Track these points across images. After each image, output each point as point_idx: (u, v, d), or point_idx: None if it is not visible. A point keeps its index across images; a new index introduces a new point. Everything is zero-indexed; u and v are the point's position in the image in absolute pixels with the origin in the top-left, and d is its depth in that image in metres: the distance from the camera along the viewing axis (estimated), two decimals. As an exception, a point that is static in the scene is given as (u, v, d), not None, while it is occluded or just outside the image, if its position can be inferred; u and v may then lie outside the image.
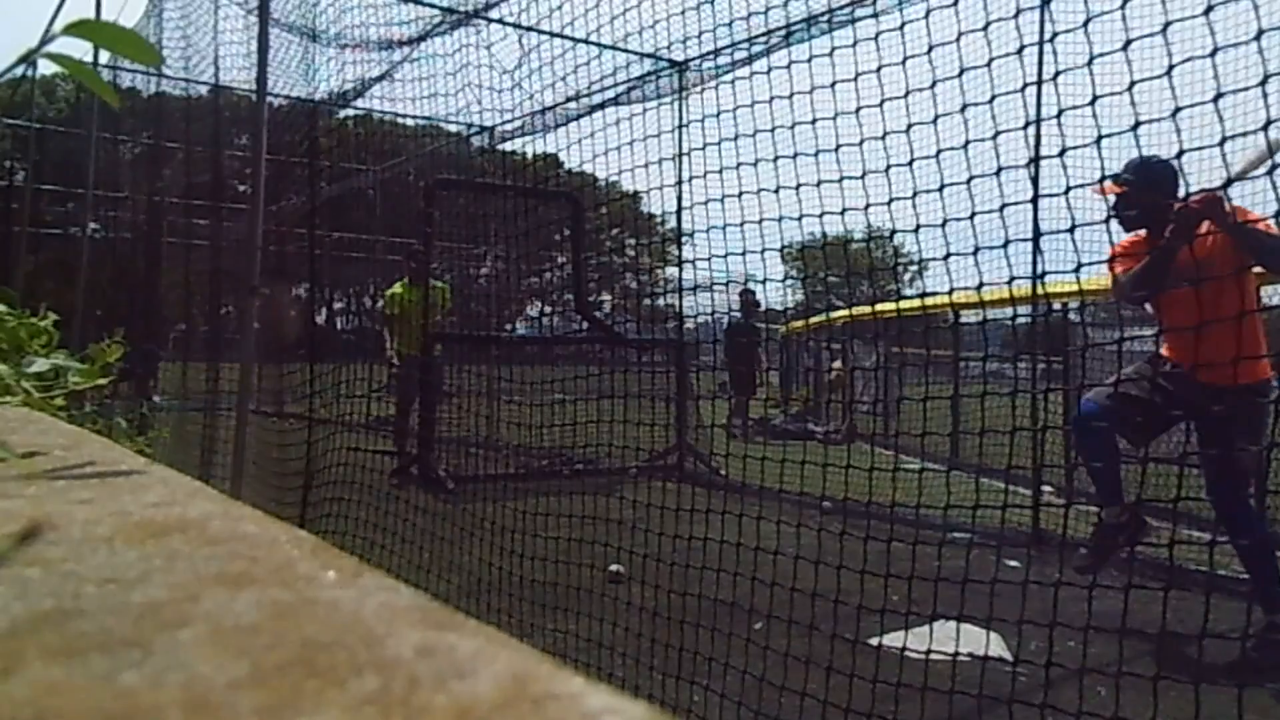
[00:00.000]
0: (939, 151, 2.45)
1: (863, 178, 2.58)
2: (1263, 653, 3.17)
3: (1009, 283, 2.65)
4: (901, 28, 2.57)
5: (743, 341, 10.62)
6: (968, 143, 2.41)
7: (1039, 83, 3.67)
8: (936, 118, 2.49)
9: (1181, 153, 1.95)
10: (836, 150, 2.66)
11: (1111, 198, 3.49)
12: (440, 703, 0.26)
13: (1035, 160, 4.11)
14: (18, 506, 0.51)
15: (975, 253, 2.45)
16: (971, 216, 2.48)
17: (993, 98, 2.39)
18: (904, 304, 7.41)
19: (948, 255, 2.46)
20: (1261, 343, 3.50)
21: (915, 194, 2.52)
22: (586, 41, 4.82)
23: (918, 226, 2.51)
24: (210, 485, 0.62)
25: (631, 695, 0.27)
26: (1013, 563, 4.28)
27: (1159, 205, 3.42)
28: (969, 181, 2.41)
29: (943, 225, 2.45)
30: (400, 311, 7.11)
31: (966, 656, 2.74)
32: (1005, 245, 2.44)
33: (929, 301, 4.74)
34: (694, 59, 6.75)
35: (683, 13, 3.56)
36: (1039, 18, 4.31)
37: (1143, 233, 3.62)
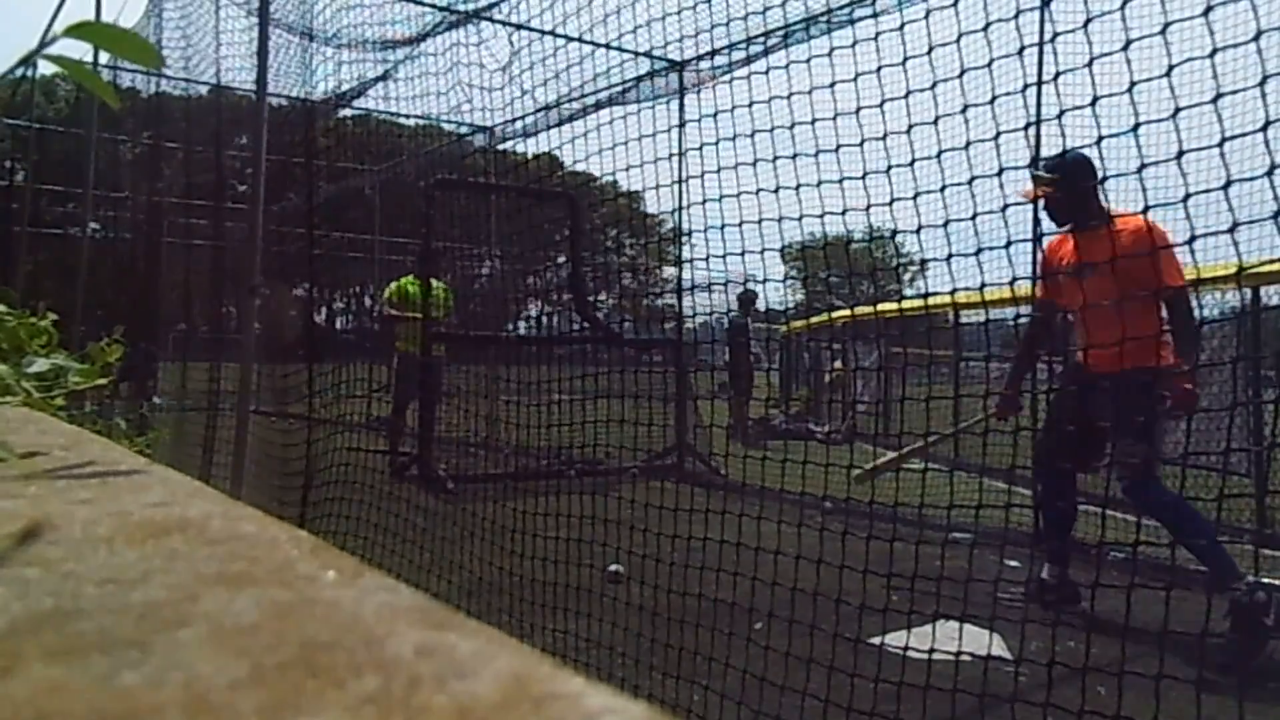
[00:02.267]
0: (940, 152, 2.45)
1: (863, 178, 2.58)
2: (1245, 633, 3.13)
3: (1011, 282, 2.65)
4: (901, 28, 2.57)
5: (740, 341, 10.59)
6: (969, 143, 2.41)
7: (1039, 83, 3.67)
8: (937, 118, 2.49)
9: (1181, 153, 1.95)
10: (837, 150, 2.65)
11: (1037, 199, 3.57)
12: (440, 703, 0.26)
13: (1035, 161, 4.11)
14: (18, 506, 0.51)
15: (977, 253, 2.45)
16: (973, 217, 2.48)
17: (993, 98, 2.39)
18: (905, 304, 7.42)
19: (949, 256, 2.46)
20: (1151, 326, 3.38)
21: (916, 195, 2.51)
22: (585, 41, 4.82)
23: (920, 227, 2.50)
24: (210, 485, 0.62)
25: (631, 695, 0.27)
26: (1014, 563, 4.28)
27: (1083, 197, 3.51)
28: (970, 182, 2.41)
29: (944, 225, 2.45)
30: (403, 306, 7.13)
31: (968, 656, 2.74)
32: (1007, 245, 2.44)
33: (929, 301, 4.74)
34: (693, 59, 6.75)
35: (679, 12, 3.56)
36: (1039, 18, 4.31)
37: (1068, 229, 3.69)
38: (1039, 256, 3.86)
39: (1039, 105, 3.96)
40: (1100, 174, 3.26)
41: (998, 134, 2.40)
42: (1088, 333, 3.44)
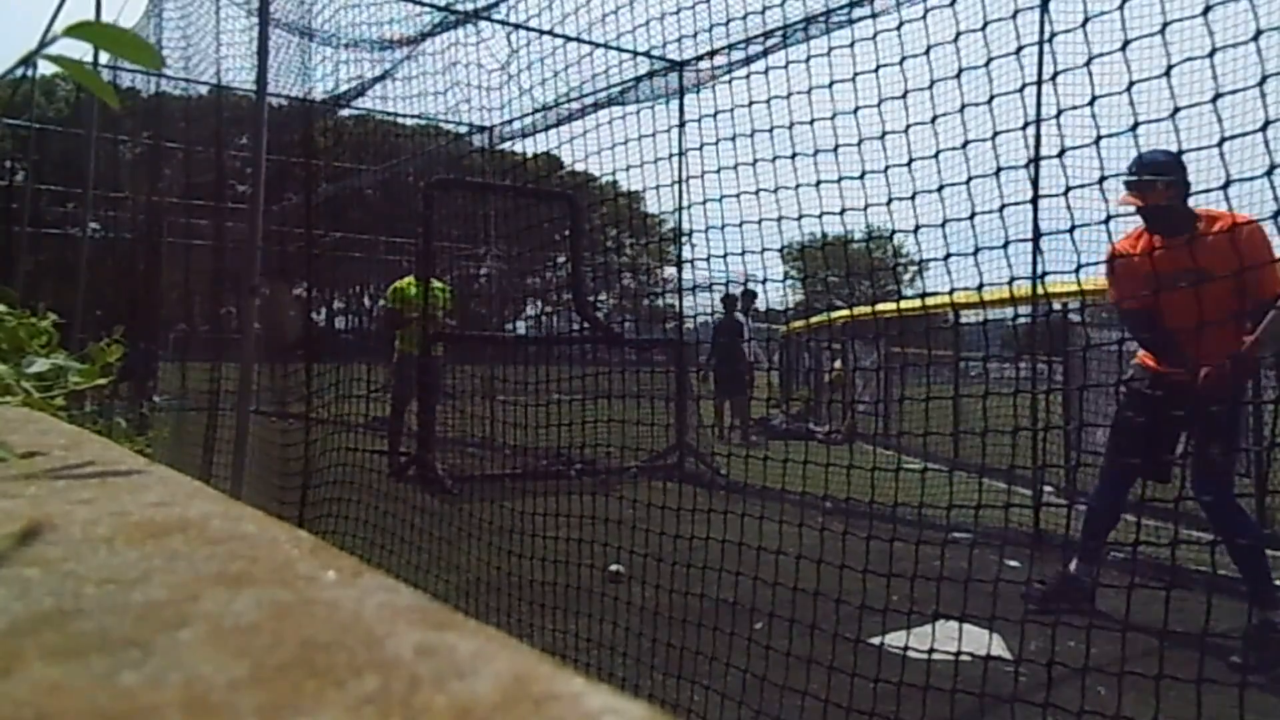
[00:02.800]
0: (938, 152, 2.45)
1: (861, 177, 2.57)
2: (1260, 652, 3.17)
3: (1009, 282, 2.65)
4: (899, 28, 2.57)
5: (728, 341, 10.45)
6: (967, 143, 2.41)
7: (1039, 82, 3.67)
8: (934, 117, 2.49)
9: (1181, 153, 1.95)
10: (835, 150, 2.65)
11: (1129, 207, 3.41)
12: (440, 703, 0.26)
13: (1035, 160, 4.11)
14: (18, 506, 0.51)
15: (975, 253, 2.45)
16: (971, 217, 2.48)
17: (991, 98, 2.39)
18: (904, 304, 7.41)
19: (948, 256, 2.46)
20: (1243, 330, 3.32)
21: (915, 194, 2.51)
22: (584, 40, 4.82)
23: (917, 227, 2.50)
24: (210, 485, 0.62)
25: (632, 695, 0.27)
26: (1014, 563, 4.28)
27: (1180, 203, 3.34)
28: (969, 181, 2.41)
29: (942, 225, 2.45)
30: (404, 307, 7.13)
31: (968, 656, 2.74)
32: (1005, 245, 2.44)
33: (928, 301, 4.75)
34: (693, 59, 6.75)
35: (678, 12, 3.55)
36: (1039, 19, 4.31)
37: (1140, 229, 3.57)
38: (1111, 260, 3.55)
39: (1039, 105, 3.96)
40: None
41: (995, 134, 2.40)
42: (1196, 343, 3.19)
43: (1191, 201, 3.35)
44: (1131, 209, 3.40)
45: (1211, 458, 3.32)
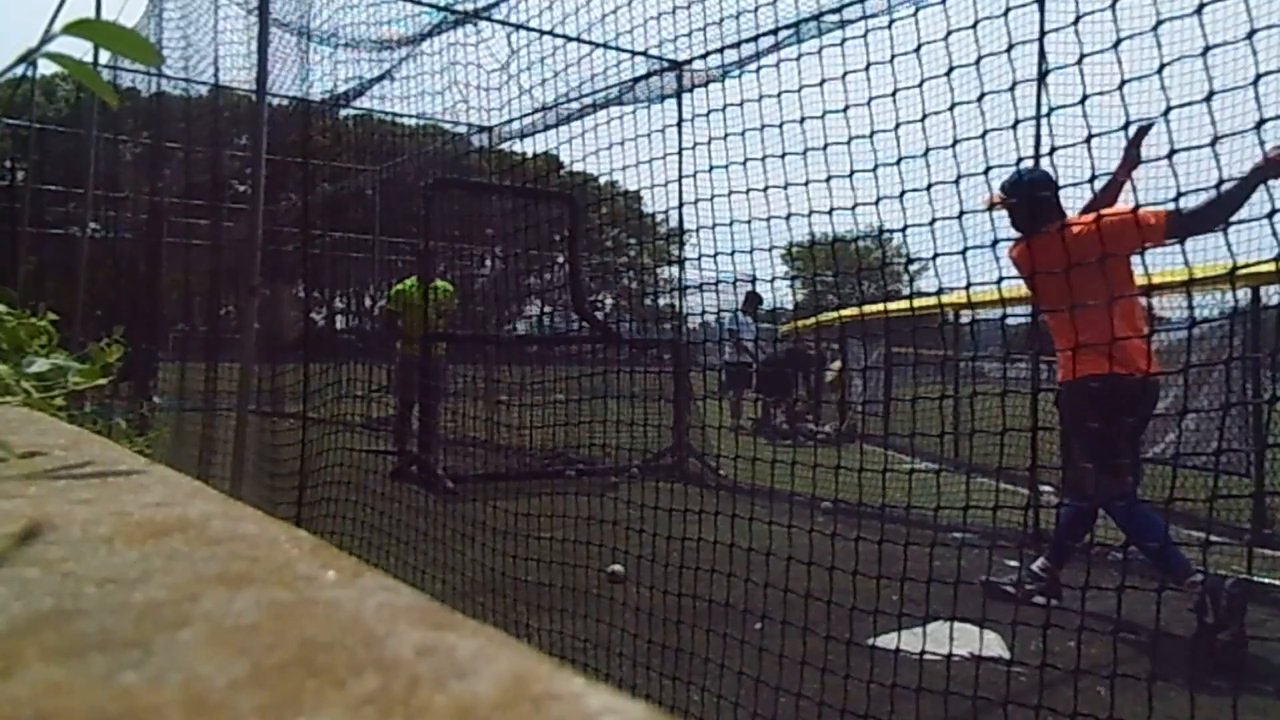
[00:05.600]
0: (928, 147, 2.42)
1: (874, 170, 2.54)
2: (1204, 616, 3.11)
3: (998, 281, 2.64)
4: (915, 13, 2.55)
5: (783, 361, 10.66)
6: (985, 131, 2.38)
7: (1039, 81, 3.67)
8: (924, 116, 2.46)
9: (1173, 152, 1.94)
10: (848, 143, 2.61)
11: (999, 210, 3.57)
12: (440, 703, 0.26)
13: (1036, 158, 4.11)
14: (18, 506, 0.51)
15: (971, 249, 2.44)
16: (960, 217, 2.47)
17: (1014, 85, 2.35)
18: (902, 304, 7.42)
19: (965, 249, 2.44)
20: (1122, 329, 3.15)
21: (903, 193, 2.49)
22: (584, 40, 4.82)
23: (934, 219, 2.47)
24: (210, 485, 0.62)
25: (630, 696, 0.27)
26: (1011, 563, 4.29)
27: (1044, 207, 3.58)
28: (986, 171, 2.38)
29: (959, 217, 2.44)
30: (406, 308, 7.14)
31: (966, 656, 2.75)
32: (994, 245, 2.43)
33: (928, 300, 4.75)
34: (692, 59, 6.74)
35: (674, 11, 3.55)
36: (1038, 19, 4.31)
37: (1019, 239, 3.70)
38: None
39: (1038, 104, 3.97)
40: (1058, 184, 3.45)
41: (985, 132, 2.39)
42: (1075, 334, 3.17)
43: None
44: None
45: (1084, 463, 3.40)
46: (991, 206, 3.36)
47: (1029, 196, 3.58)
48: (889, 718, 2.35)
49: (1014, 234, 3.70)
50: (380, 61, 6.61)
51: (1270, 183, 2.63)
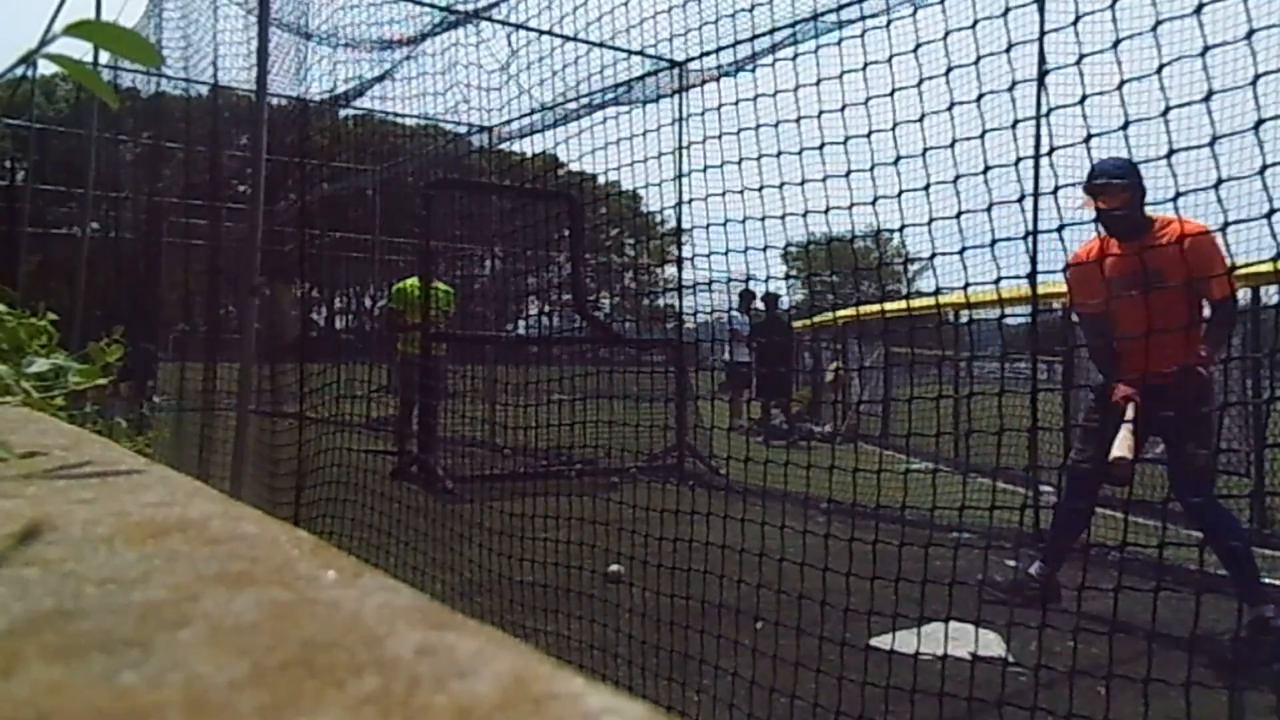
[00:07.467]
0: (929, 147, 2.43)
1: (871, 170, 2.54)
2: (1253, 650, 3.16)
3: (995, 280, 2.63)
4: (914, 14, 2.55)
5: (772, 340, 10.46)
6: (985, 131, 2.38)
7: (1040, 80, 3.67)
8: (922, 116, 2.46)
9: (1172, 152, 1.94)
10: (820, 149, 2.62)
11: (1090, 210, 3.47)
12: (440, 703, 0.26)
13: (1036, 158, 4.10)
14: (18, 506, 0.51)
15: (969, 249, 2.44)
16: (958, 216, 2.46)
17: (1013, 85, 2.35)
18: (901, 303, 7.41)
19: (962, 250, 2.44)
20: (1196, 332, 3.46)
21: (901, 193, 2.49)
22: (583, 40, 4.82)
23: (931, 219, 2.47)
24: (209, 485, 0.62)
25: (629, 696, 0.27)
26: (1011, 563, 4.28)
27: (1136, 208, 3.49)
28: (985, 171, 2.38)
29: (957, 216, 2.44)
30: (407, 308, 7.14)
31: (966, 657, 2.74)
32: (992, 244, 2.43)
33: (932, 299, 4.74)
34: (692, 58, 6.74)
35: (669, 10, 3.55)
36: (1037, 19, 4.31)
37: (1099, 236, 3.61)
38: (1068, 266, 3.49)
39: (1038, 103, 3.96)
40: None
41: (984, 132, 2.39)
42: (1147, 344, 3.09)
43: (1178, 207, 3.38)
44: (1091, 213, 3.48)
45: (1192, 460, 3.37)
46: (1097, 200, 3.32)
47: (1139, 184, 3.40)
48: (887, 718, 2.35)
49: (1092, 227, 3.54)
50: (380, 61, 6.62)
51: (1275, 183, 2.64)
